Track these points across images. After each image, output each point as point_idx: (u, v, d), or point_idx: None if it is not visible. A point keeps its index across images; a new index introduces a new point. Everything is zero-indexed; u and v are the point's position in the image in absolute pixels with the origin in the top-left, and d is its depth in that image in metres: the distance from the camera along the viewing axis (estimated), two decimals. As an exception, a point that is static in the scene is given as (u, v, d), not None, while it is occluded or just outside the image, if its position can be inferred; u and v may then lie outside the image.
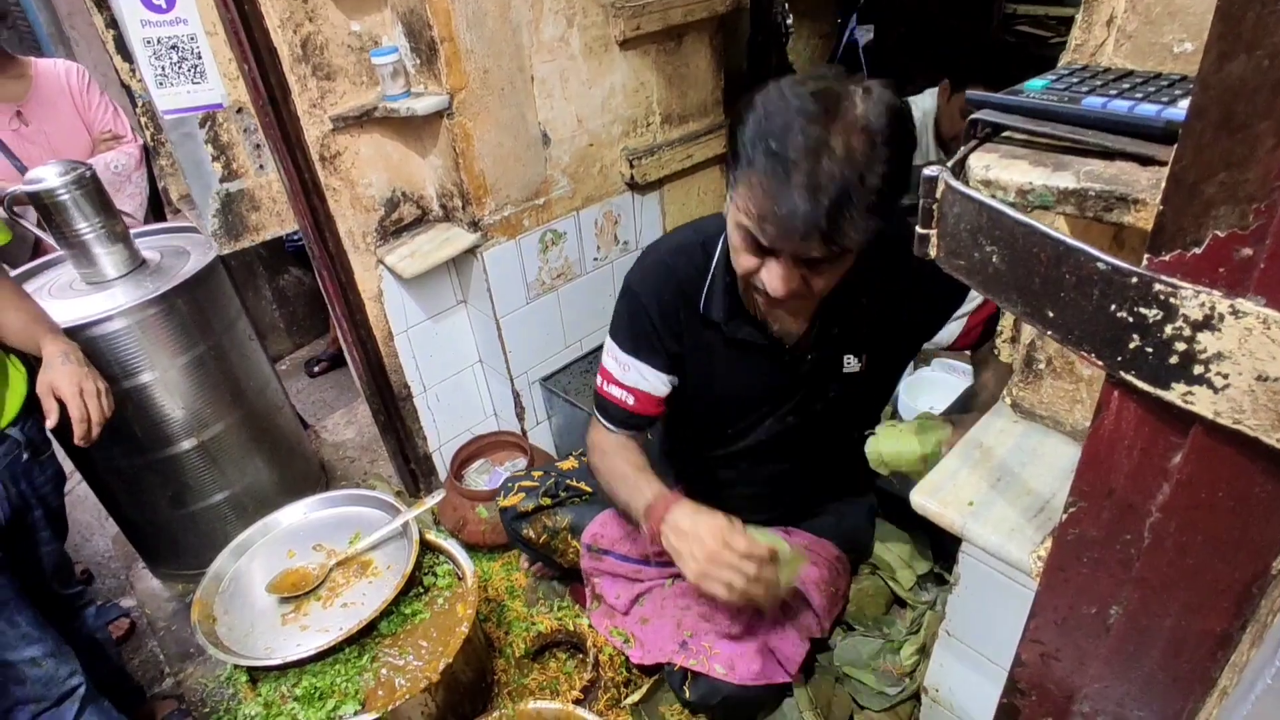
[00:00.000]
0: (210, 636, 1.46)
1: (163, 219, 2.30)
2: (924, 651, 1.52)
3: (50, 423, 1.39)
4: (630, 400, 1.39)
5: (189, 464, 1.88)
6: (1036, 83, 0.72)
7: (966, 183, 0.65)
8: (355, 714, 1.36)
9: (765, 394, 1.37)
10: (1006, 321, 1.04)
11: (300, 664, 1.41)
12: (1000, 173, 0.62)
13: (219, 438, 1.90)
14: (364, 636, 1.46)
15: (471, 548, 1.94)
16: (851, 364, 1.33)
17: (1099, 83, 0.70)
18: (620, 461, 1.40)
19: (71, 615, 1.71)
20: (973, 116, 0.68)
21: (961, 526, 0.84)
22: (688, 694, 1.45)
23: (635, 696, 1.55)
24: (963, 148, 0.68)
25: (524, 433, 2.16)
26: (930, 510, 0.86)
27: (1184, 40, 0.70)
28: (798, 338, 1.29)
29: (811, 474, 1.51)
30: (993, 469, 0.89)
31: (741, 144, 1.01)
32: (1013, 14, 3.10)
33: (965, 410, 1.44)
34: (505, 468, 2.13)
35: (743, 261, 1.10)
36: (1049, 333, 0.56)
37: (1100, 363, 0.52)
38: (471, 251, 1.82)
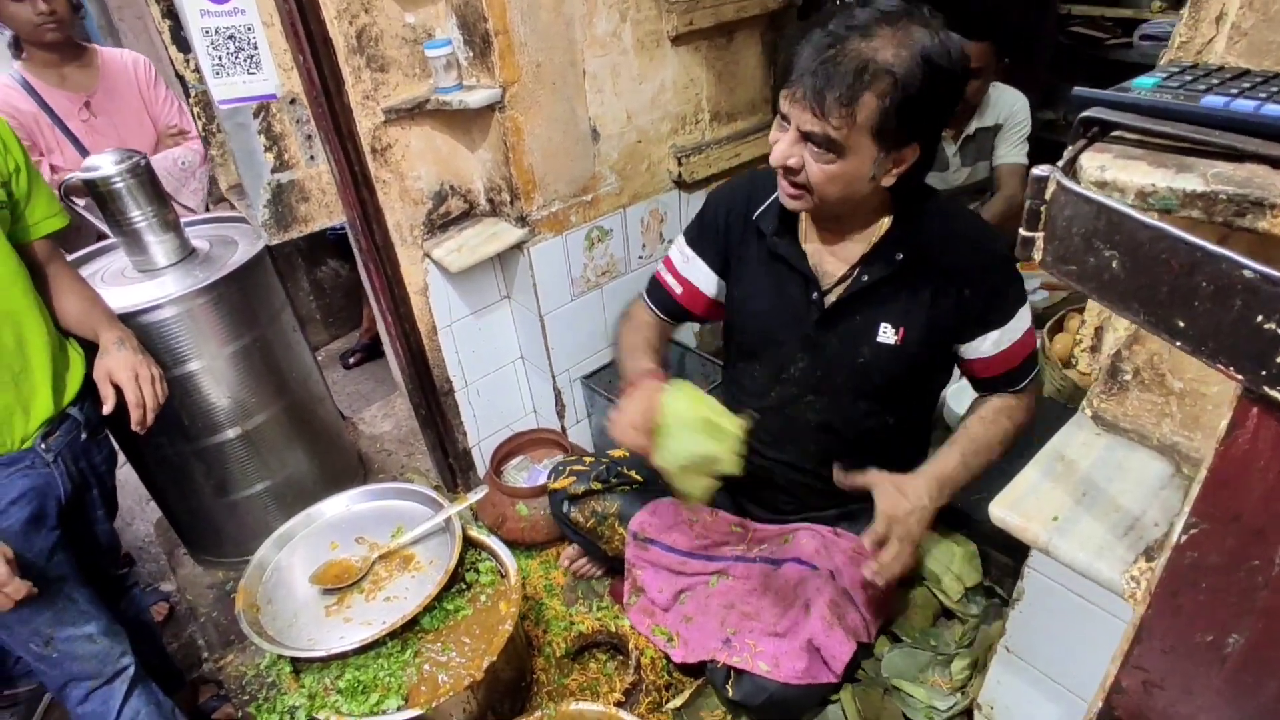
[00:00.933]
0: (254, 626, 1.46)
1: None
2: (976, 666, 1.49)
3: (107, 409, 1.40)
4: (679, 290, 1.50)
5: (233, 452, 1.89)
6: (1146, 80, 0.69)
7: (1078, 184, 0.61)
8: (398, 709, 1.35)
9: (794, 321, 1.37)
10: (1087, 330, 1.01)
11: (343, 656, 1.41)
12: (1118, 174, 0.59)
13: (262, 427, 1.91)
14: (406, 631, 1.45)
15: (510, 545, 1.92)
16: (887, 333, 1.31)
17: (1215, 81, 0.66)
18: (638, 335, 1.50)
19: (119, 595, 1.72)
20: (1084, 115, 0.64)
21: (1046, 542, 0.80)
22: (731, 693, 1.43)
23: (678, 700, 1.53)
24: (1071, 147, 0.65)
25: (564, 430, 2.15)
26: (1012, 524, 0.83)
27: (1309, 37, 0.66)
28: (834, 280, 1.32)
29: (851, 452, 1.41)
30: (1076, 483, 0.86)
31: (794, 39, 1.15)
32: (1068, 14, 3.03)
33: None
34: (544, 465, 2.12)
35: (770, 141, 1.19)
36: (1177, 343, 0.52)
37: (1240, 377, 0.48)
38: (518, 247, 1.81)
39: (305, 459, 2.04)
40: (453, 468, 2.13)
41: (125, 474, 2.20)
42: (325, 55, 1.52)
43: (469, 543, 1.62)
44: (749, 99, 2.10)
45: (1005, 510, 0.84)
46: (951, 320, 1.29)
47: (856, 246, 1.30)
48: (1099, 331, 0.96)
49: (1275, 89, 0.62)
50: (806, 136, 1.11)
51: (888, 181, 1.17)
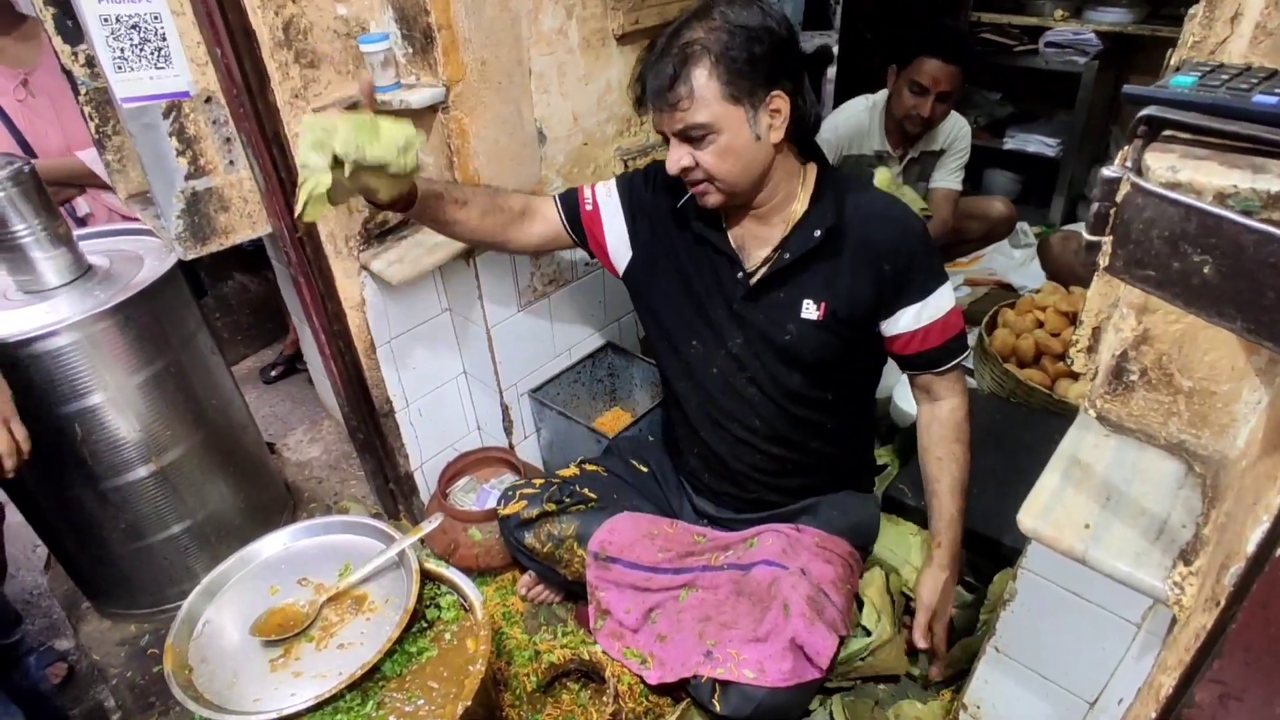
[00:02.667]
0: (188, 689, 1.30)
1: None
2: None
3: None
4: (589, 207, 1.52)
5: (145, 492, 1.69)
6: (1184, 79, 0.67)
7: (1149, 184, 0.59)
8: (365, 769, 1.23)
9: (724, 299, 1.42)
10: (1083, 331, 1.01)
11: (296, 717, 1.27)
12: (1193, 174, 0.57)
13: (179, 462, 1.72)
14: (366, 680, 1.32)
15: (464, 573, 1.81)
16: (810, 309, 1.37)
17: (1255, 80, 0.66)
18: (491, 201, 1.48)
19: (11, 665, 1.52)
20: (1145, 113, 0.62)
21: (1084, 553, 0.79)
22: (718, 707, 1.38)
23: (663, 728, 1.47)
24: (1129, 147, 0.63)
25: (511, 447, 2.04)
26: (1045, 536, 0.81)
27: (1337, 38, 0.66)
28: (758, 262, 1.39)
29: (796, 428, 1.49)
30: (1098, 488, 0.85)
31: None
32: (978, 22, 3.16)
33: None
34: (491, 485, 2.01)
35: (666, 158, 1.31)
36: (1285, 351, 0.50)
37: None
38: (463, 256, 1.70)
39: (228, 494, 1.85)
40: (394, 494, 1.99)
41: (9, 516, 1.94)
42: (247, 49, 1.37)
43: (426, 576, 1.50)
44: (692, 101, 2.06)
45: (1036, 521, 0.82)
46: (871, 294, 1.35)
47: (776, 230, 1.38)
48: (1096, 332, 0.95)
49: (1319, 89, 0.62)
50: (681, 136, 1.24)
51: (776, 136, 1.25)
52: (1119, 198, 0.59)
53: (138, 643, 1.83)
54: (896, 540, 1.63)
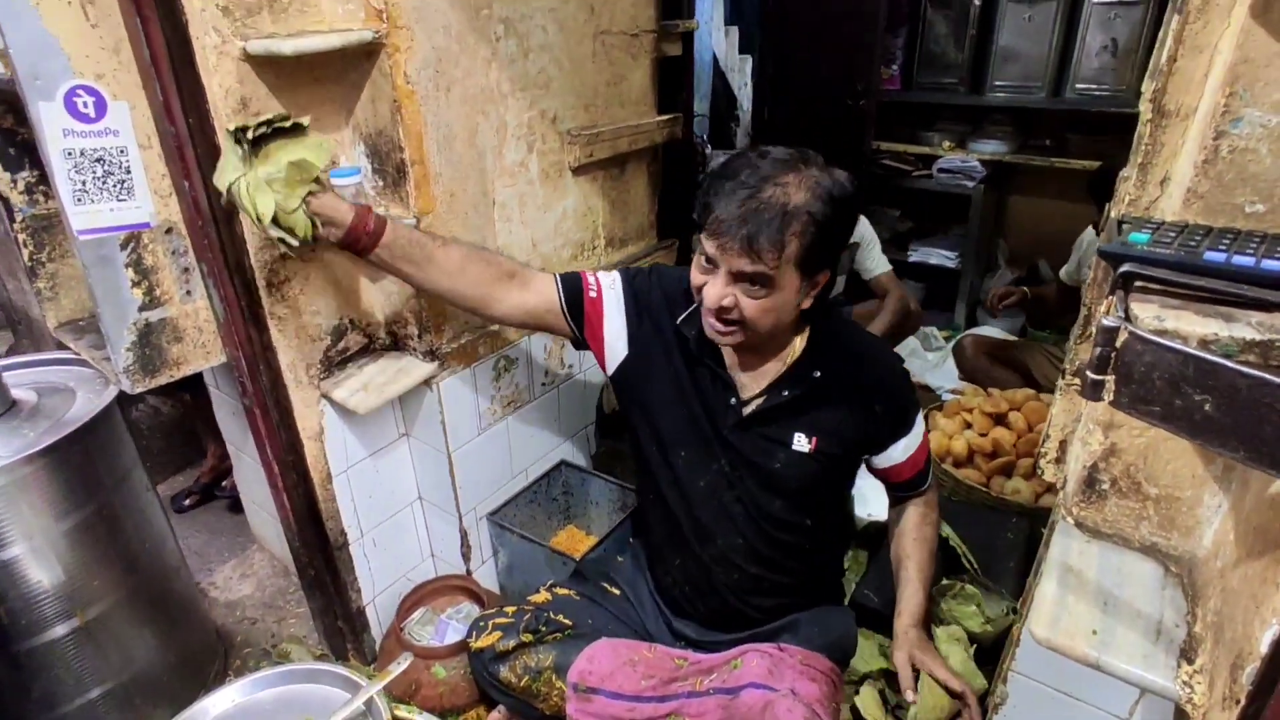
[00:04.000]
0: None
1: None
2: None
3: None
4: (594, 294, 1.48)
5: (64, 653, 1.51)
6: (1139, 236, 0.79)
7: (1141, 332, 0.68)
8: None
9: (716, 419, 1.43)
10: (1051, 445, 1.10)
11: None
12: (1176, 323, 0.66)
13: (104, 616, 1.56)
14: None
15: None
16: (801, 442, 1.41)
17: (1198, 236, 0.78)
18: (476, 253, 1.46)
19: None
20: (1125, 269, 0.72)
21: (1096, 659, 0.84)
22: None
23: None
24: (1113, 297, 0.73)
25: (469, 573, 1.97)
26: (1059, 644, 0.86)
27: (1255, 202, 0.80)
28: (753, 394, 1.42)
29: (776, 547, 1.51)
30: (1094, 593, 0.91)
31: (707, 190, 1.25)
32: (877, 149, 3.51)
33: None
34: (449, 614, 1.92)
35: (695, 280, 1.29)
36: (1288, 479, 0.58)
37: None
38: (426, 382, 1.69)
39: (155, 647, 1.68)
40: (343, 631, 1.86)
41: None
42: (216, 183, 1.37)
43: (396, 725, 1.40)
44: (638, 224, 2.18)
45: (1047, 631, 0.87)
46: (862, 431, 1.44)
47: (773, 366, 1.42)
48: (1063, 445, 1.05)
49: (1255, 244, 0.74)
50: (737, 277, 1.22)
51: (807, 304, 1.32)
52: (1118, 344, 0.67)
53: (40, 833, 1.59)
54: (870, 656, 1.65)
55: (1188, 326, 0.66)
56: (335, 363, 1.64)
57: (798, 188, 1.19)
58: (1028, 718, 1.20)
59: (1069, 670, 1.05)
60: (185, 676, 1.75)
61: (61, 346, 1.70)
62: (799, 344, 1.40)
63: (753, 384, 1.43)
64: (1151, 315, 0.68)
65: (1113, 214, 0.94)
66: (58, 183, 1.28)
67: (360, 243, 1.33)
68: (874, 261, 2.76)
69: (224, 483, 2.69)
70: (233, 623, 2.05)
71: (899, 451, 1.48)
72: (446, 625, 1.88)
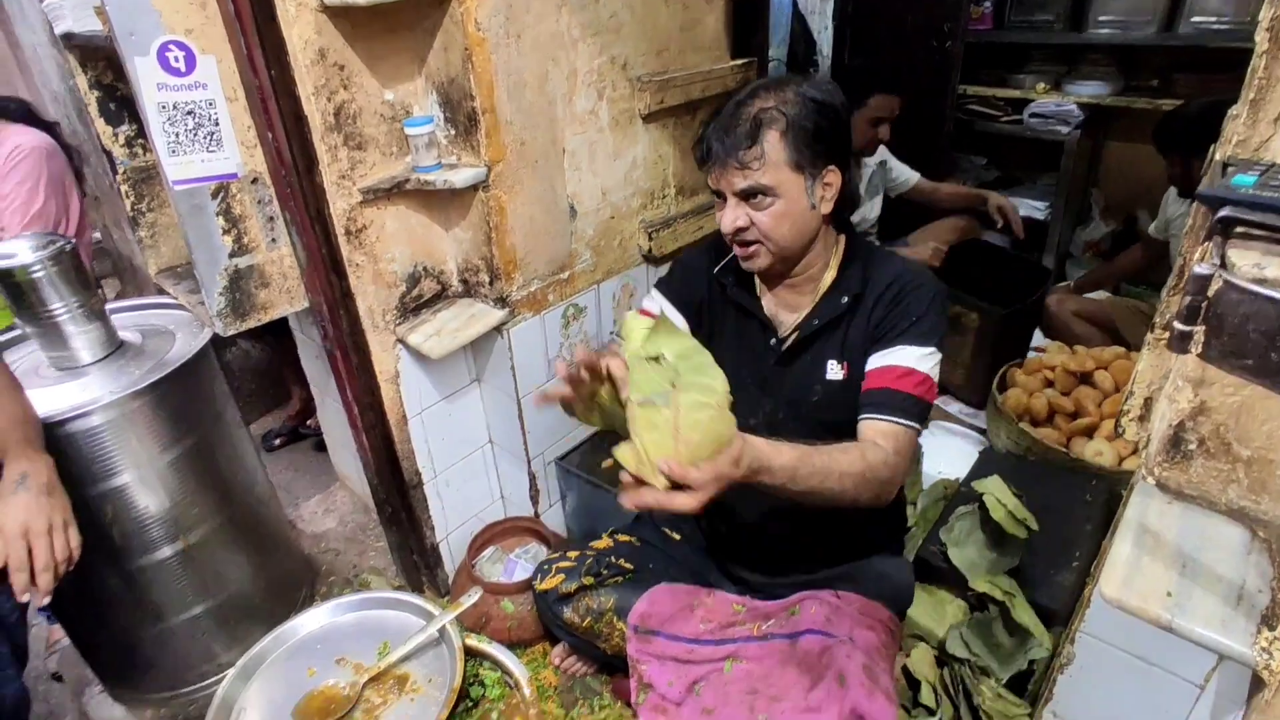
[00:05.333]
0: (229, 782, 1.26)
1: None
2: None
3: None
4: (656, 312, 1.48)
5: (169, 573, 1.65)
6: (1245, 179, 0.73)
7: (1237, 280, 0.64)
8: None
9: (756, 364, 1.46)
10: (1135, 401, 1.05)
11: (346, 806, 1.23)
12: (1279, 271, 0.62)
13: (204, 541, 1.68)
14: (415, 765, 1.30)
15: (496, 647, 1.78)
16: (834, 370, 1.41)
17: (1313, 179, 0.72)
18: None
19: (20, 763, 1.45)
20: (1223, 213, 0.67)
21: (1170, 621, 0.81)
22: None
23: (713, 807, 1.43)
24: (1210, 244, 0.68)
25: (537, 515, 2.03)
26: (1130, 605, 0.83)
27: (1383, 139, 0.73)
28: (788, 330, 1.44)
29: (822, 508, 1.41)
30: (1172, 555, 0.88)
31: (701, 139, 1.33)
32: (964, 94, 3.32)
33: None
34: (517, 554, 1.99)
35: (717, 218, 1.35)
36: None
37: None
38: (496, 329, 1.73)
39: (251, 571, 1.81)
40: (418, 566, 1.96)
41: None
42: (297, 133, 1.41)
43: (467, 653, 1.48)
44: (708, 173, 2.14)
45: (1118, 591, 0.84)
46: (871, 336, 1.39)
47: (807, 298, 1.44)
48: (1148, 402, 1.00)
49: (1377, 188, 0.68)
50: (742, 196, 1.29)
51: (826, 208, 1.33)
52: (1211, 293, 0.63)
53: (154, 730, 1.76)
54: (934, 609, 1.64)
55: (1292, 274, 0.62)
56: (410, 309, 1.70)
57: (769, 99, 1.27)
58: (1095, 680, 1.18)
59: (1141, 633, 1.02)
60: (276, 599, 1.89)
61: (161, 292, 1.81)
62: (830, 276, 1.42)
63: (788, 319, 1.45)
64: (1251, 263, 0.64)
65: (1218, 155, 0.87)
66: (153, 135, 1.35)
67: None
68: (905, 173, 2.80)
69: (309, 422, 2.84)
70: (318, 553, 2.18)
71: (879, 356, 1.34)
72: (515, 564, 1.95)
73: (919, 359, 1.34)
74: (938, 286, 1.41)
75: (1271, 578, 0.85)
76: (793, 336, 1.43)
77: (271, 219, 1.53)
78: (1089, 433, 2.05)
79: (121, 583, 1.62)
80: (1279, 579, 0.84)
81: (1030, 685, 1.52)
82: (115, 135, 1.65)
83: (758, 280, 1.47)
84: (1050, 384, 2.20)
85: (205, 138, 1.40)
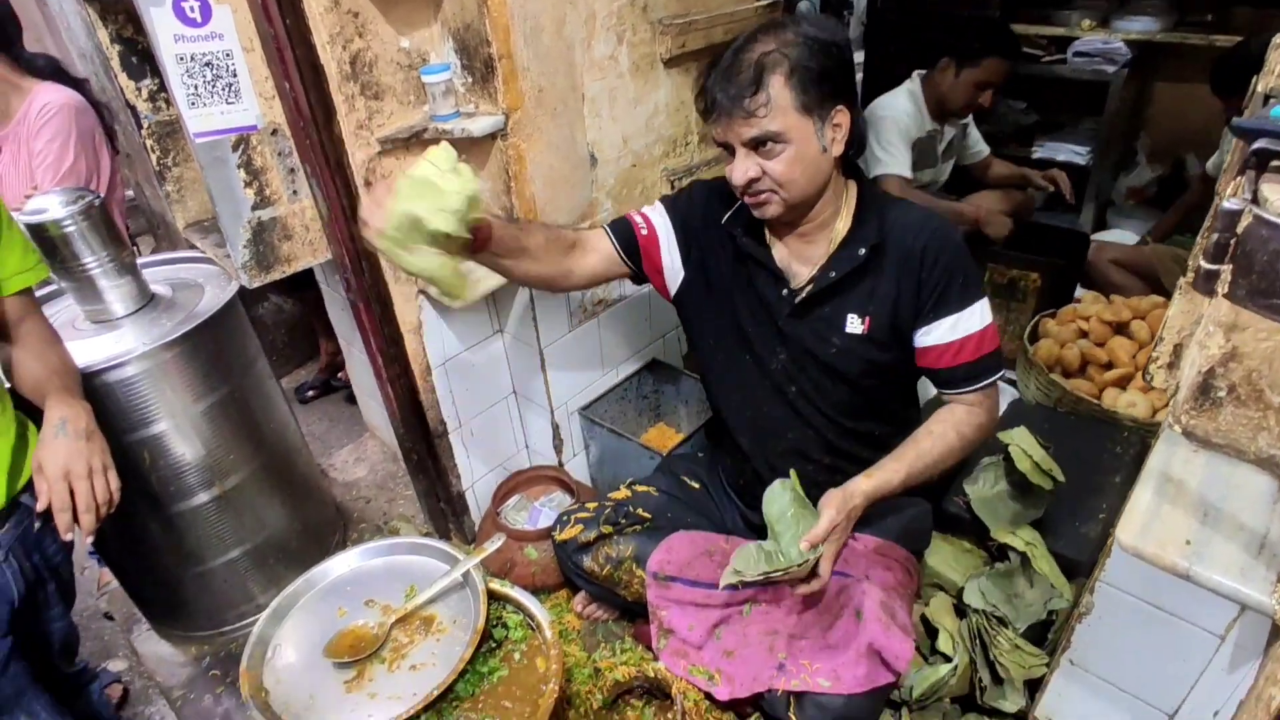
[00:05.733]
0: (266, 712, 1.32)
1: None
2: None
3: (39, 506, 1.17)
4: (644, 230, 1.51)
5: (207, 517, 1.72)
6: (1286, 108, 0.69)
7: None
8: (447, 789, 1.24)
9: (768, 316, 1.44)
10: (1164, 348, 1.02)
11: (376, 737, 1.29)
12: (1315, 205, 0.59)
13: (240, 487, 1.74)
14: (441, 701, 1.34)
15: (522, 592, 1.83)
16: (854, 324, 1.39)
17: (1358, 109, 0.67)
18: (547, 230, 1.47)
19: (76, 694, 1.54)
20: (1258, 145, 0.64)
21: (1187, 569, 0.80)
22: (794, 719, 1.39)
23: (731, 745, 1.47)
24: (1242, 178, 0.65)
25: (561, 465, 2.06)
26: (1147, 553, 0.82)
27: None
28: (803, 281, 1.41)
29: (850, 440, 1.50)
30: (1194, 504, 0.86)
31: (703, 90, 1.30)
32: (1003, 33, 3.18)
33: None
34: (542, 503, 2.03)
35: (727, 171, 1.33)
36: None
37: None
38: (518, 279, 1.73)
39: (285, 517, 1.88)
40: (445, 513, 2.01)
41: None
42: (314, 83, 1.41)
43: (491, 596, 1.52)
44: (733, 120, 2.09)
45: (1135, 538, 0.83)
46: (912, 303, 1.36)
47: (820, 247, 1.41)
48: (1178, 349, 0.97)
49: None
50: (751, 145, 1.26)
51: (837, 150, 1.30)
52: (1240, 229, 0.60)
53: (198, 664, 1.85)
54: (954, 559, 1.64)
55: (1328, 210, 0.59)
56: (431, 260, 1.70)
57: (770, 43, 1.23)
58: (1114, 629, 1.18)
59: (1162, 584, 1.01)
60: (310, 544, 1.95)
61: (190, 246, 1.84)
62: (843, 225, 1.38)
63: (803, 271, 1.42)
64: (1285, 197, 0.61)
65: (1260, 87, 0.82)
66: (173, 87, 1.36)
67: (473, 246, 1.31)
68: (981, 144, 2.74)
69: (339, 375, 2.90)
70: (350, 500, 2.25)
71: (944, 329, 1.34)
72: (539, 511, 1.99)
73: (982, 313, 1.36)
74: (953, 228, 1.40)
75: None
76: (807, 289, 1.41)
77: (292, 171, 1.53)
78: (1122, 384, 2.01)
79: (162, 527, 1.68)
80: (1305, 528, 0.82)
81: (1050, 635, 1.51)
82: (138, 90, 1.66)
83: (767, 231, 1.44)
84: (1084, 335, 2.14)
85: (224, 89, 1.41)
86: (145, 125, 1.70)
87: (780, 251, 1.44)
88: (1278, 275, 0.58)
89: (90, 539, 1.24)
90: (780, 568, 1.28)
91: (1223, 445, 0.94)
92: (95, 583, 2.27)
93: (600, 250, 1.52)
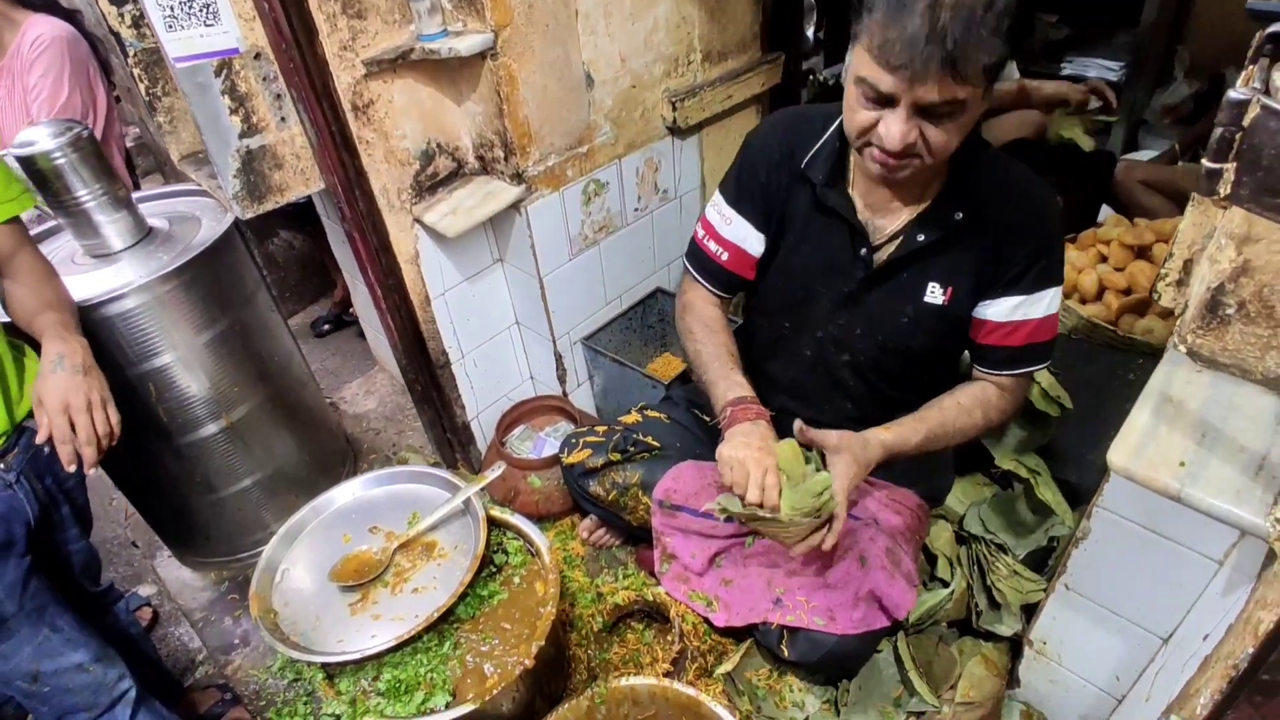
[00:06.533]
0: (275, 633, 1.36)
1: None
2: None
3: (39, 438, 1.18)
4: (724, 256, 1.38)
5: (217, 448, 1.75)
6: (1310, -10, 0.63)
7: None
8: (447, 706, 1.28)
9: (837, 277, 1.29)
10: (1173, 264, 0.97)
11: (379, 656, 1.33)
12: (1330, 94, 0.54)
13: (247, 418, 1.77)
14: (442, 623, 1.37)
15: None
16: (935, 293, 1.24)
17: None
18: (713, 340, 1.39)
19: (103, 613, 1.60)
20: (1272, 30, 0.58)
21: (1179, 491, 0.77)
22: (786, 653, 1.41)
23: (728, 665, 1.50)
24: (1254, 67, 0.59)
25: (565, 395, 2.06)
26: (1138, 474, 0.80)
27: None
28: (885, 237, 1.24)
29: (890, 413, 1.35)
30: (1193, 425, 0.83)
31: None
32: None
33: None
34: (546, 433, 2.04)
35: (859, 119, 1.06)
36: None
37: None
38: (514, 206, 1.69)
39: (293, 447, 1.91)
40: (451, 443, 2.03)
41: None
42: (294, 2, 1.35)
43: (492, 523, 1.54)
44: (740, 37, 2.00)
45: (1127, 459, 0.81)
46: (990, 277, 1.22)
47: (909, 207, 1.23)
48: (1188, 265, 0.92)
49: None
50: (924, 109, 1.00)
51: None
52: (1246, 121, 0.55)
53: (218, 588, 1.92)
54: (960, 490, 1.62)
55: (1343, 98, 0.53)
56: (426, 187, 1.67)
57: None
58: (1110, 554, 1.16)
59: (1161, 509, 0.99)
60: (320, 473, 1.99)
61: (186, 179, 1.82)
62: (938, 179, 1.20)
63: (886, 224, 1.24)
64: (1298, 87, 0.55)
65: (1288, -29, 0.75)
66: (148, 8, 1.31)
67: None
68: (1011, 70, 2.53)
69: (351, 310, 2.91)
70: (360, 432, 2.28)
71: (1004, 309, 1.22)
72: (544, 441, 2.00)
73: (1049, 302, 1.23)
74: (1054, 199, 1.23)
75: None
76: (889, 249, 1.24)
77: (279, 96, 1.49)
78: (1140, 310, 1.93)
79: (173, 458, 1.72)
80: (1308, 449, 0.79)
81: (1051, 561, 1.51)
82: (121, 15, 1.61)
83: (851, 169, 1.25)
84: (1104, 259, 2.06)
85: (201, 10, 1.36)
86: (132, 53, 1.66)
87: (863, 200, 1.25)
88: (1282, 172, 0.53)
89: (93, 471, 1.26)
90: (762, 517, 1.19)
91: (1228, 365, 0.90)
92: (124, 512, 2.35)
93: (711, 302, 1.44)
